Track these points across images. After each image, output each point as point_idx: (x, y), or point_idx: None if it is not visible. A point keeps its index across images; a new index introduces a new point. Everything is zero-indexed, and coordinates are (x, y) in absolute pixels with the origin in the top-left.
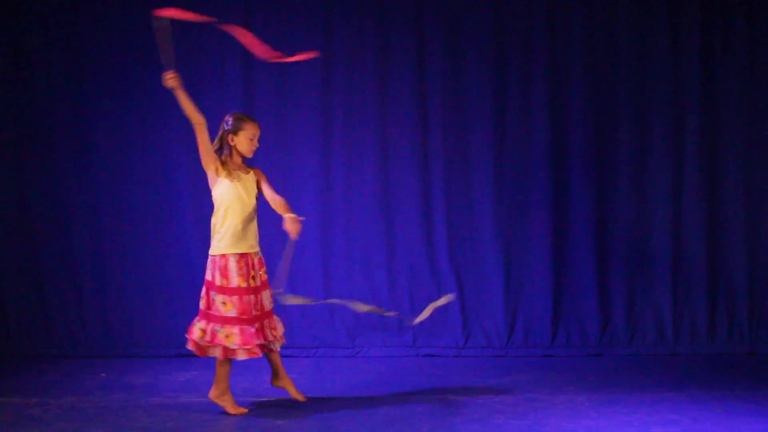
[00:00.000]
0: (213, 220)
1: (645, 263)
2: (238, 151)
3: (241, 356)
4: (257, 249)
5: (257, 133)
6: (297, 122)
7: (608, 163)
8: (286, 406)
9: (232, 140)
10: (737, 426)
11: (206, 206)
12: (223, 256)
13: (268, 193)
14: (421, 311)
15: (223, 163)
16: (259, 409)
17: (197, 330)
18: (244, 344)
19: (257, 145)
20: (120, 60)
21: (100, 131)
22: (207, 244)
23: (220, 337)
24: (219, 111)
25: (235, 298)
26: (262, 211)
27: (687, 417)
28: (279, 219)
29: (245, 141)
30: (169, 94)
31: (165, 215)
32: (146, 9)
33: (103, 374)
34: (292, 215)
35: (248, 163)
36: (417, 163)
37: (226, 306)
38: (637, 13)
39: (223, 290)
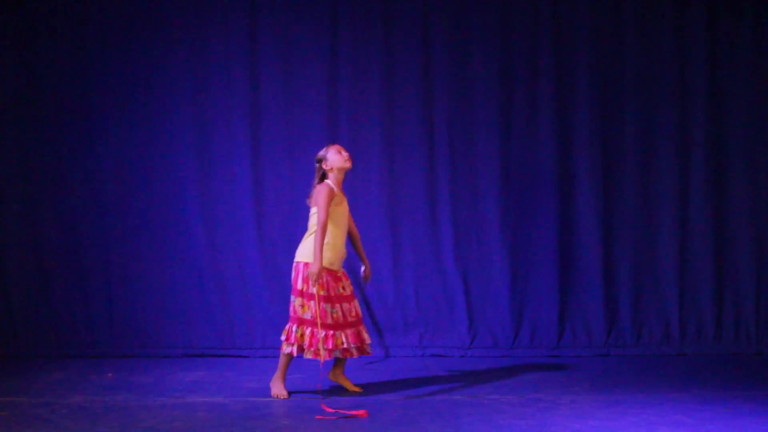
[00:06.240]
0: None
1: (651, 263)
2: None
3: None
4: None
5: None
6: (303, 122)
7: (614, 163)
8: (292, 406)
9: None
10: (744, 426)
11: (212, 206)
12: None
13: None
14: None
15: None
16: (265, 409)
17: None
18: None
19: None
20: (126, 60)
21: (107, 131)
22: (211, 243)
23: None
24: (225, 110)
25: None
26: None
27: (693, 417)
28: None
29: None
30: (176, 95)
31: (171, 215)
32: (152, 8)
33: (110, 374)
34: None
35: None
36: (423, 163)
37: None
38: (643, 14)
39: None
